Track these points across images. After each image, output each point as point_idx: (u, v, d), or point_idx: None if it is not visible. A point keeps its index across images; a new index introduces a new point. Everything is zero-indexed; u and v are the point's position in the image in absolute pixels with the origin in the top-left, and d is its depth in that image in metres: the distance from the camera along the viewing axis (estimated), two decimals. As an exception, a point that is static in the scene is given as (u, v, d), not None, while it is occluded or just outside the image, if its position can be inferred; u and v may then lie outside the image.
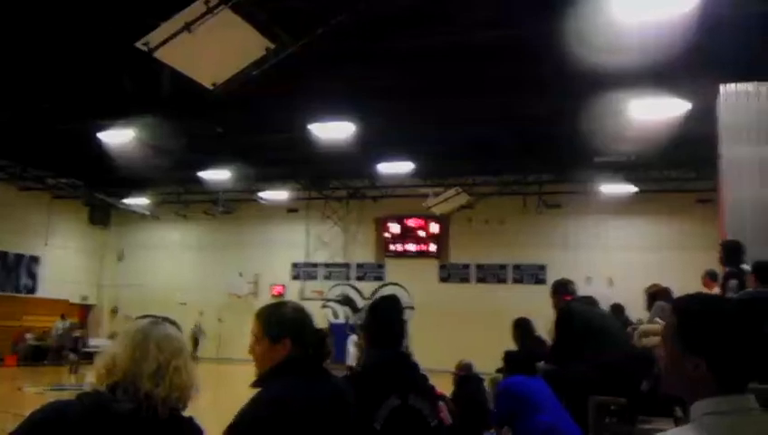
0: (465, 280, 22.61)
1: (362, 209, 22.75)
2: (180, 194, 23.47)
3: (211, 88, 8.43)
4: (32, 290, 23.84)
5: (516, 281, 21.94)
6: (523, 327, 7.45)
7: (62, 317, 22.44)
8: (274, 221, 24.23)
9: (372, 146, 16.19)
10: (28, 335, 22.06)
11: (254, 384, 2.24)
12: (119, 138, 14.53)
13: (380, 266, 23.77)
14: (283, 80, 11.24)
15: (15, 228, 22.85)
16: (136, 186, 21.74)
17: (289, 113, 13.80)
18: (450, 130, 15.44)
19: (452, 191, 19.46)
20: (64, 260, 24.87)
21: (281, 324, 2.30)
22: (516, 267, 22.01)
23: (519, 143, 15.94)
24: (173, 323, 2.06)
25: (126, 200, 23.20)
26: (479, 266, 22.48)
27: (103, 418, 1.79)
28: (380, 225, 23.66)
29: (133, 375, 1.87)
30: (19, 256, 23.44)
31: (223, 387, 15.28)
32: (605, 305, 7.51)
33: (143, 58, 8.11)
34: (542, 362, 5.52)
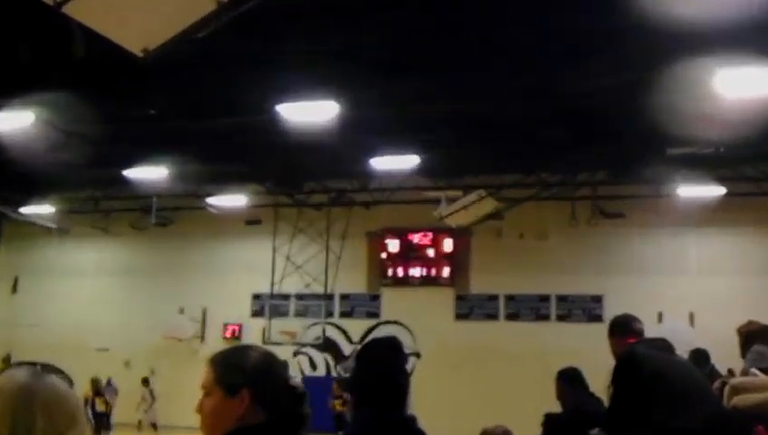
0: (491, 317, 22.83)
1: (350, 220, 22.85)
2: (98, 200, 23.64)
3: (141, 55, 8.44)
4: None
5: (562, 318, 22.21)
6: (570, 381, 7.52)
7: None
8: (229, 237, 24.46)
9: (363, 134, 16.38)
10: None
11: None
12: (13, 122, 14.59)
13: (374, 298, 23.98)
14: (241, 45, 11.32)
15: None
16: (37, 188, 21.77)
17: (249, 90, 13.96)
18: (470, 112, 15.56)
19: (473, 196, 19.58)
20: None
21: (240, 370, 2.30)
22: (562, 299, 22.26)
23: (565, 130, 16.06)
24: (61, 373, 1.99)
25: (24, 209, 23.23)
26: (510, 298, 22.71)
27: None
28: (374, 241, 23.88)
29: None
30: None
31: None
32: (683, 351, 7.59)
33: (47, 15, 8.17)
34: (597, 430, 5.58)
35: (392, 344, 3.25)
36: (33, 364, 1.97)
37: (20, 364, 1.97)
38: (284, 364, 2.43)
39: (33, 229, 24.86)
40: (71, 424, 1.89)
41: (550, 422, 5.89)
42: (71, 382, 2.00)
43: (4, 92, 13.85)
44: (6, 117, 14.42)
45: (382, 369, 3.05)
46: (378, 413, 2.94)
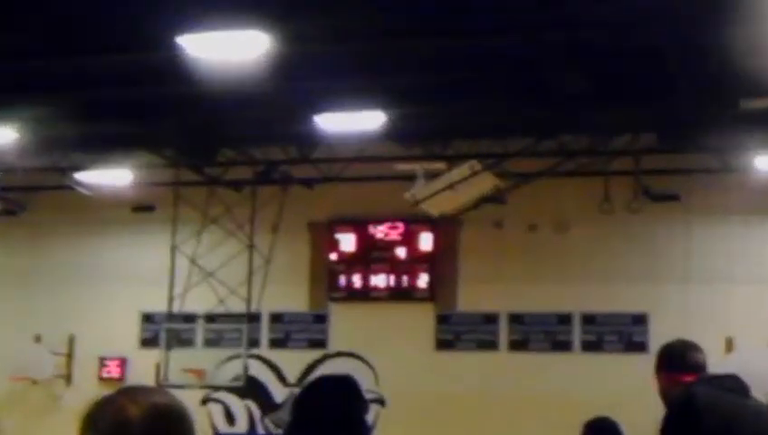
0: (487, 346, 23.14)
1: (284, 206, 23.10)
2: None
3: None
4: None
5: (590, 347, 22.50)
6: (604, 431, 7.92)
7: None
8: (109, 230, 24.71)
9: (305, 80, 16.72)
10: None
11: None
12: None
13: (320, 320, 24.29)
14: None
15: None
16: None
17: (139, 15, 13.92)
18: (458, 49, 15.86)
19: (463, 169, 19.60)
20: None
21: (102, 427, 2.50)
22: (589, 320, 22.56)
23: (594, 76, 16.43)
24: None
25: None
26: (516, 319, 23.01)
27: None
28: (320, 236, 24.16)
29: None
30: None
31: None
32: (763, 392, 7.49)
33: None
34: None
35: (346, 387, 3.34)
36: None
37: None
38: (183, 416, 2.54)
39: None
40: None
41: None
42: None
43: None
44: None
45: (330, 422, 3.14)
46: None
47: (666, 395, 5.99)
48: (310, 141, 20.84)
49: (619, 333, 22.30)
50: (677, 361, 6.12)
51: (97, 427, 2.54)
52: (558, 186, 21.71)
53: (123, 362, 25.07)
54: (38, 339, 25.09)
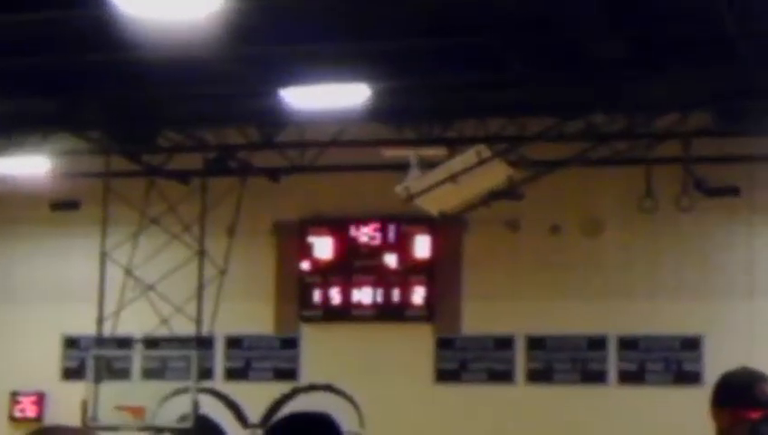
0: (501, 377, 23.30)
1: (244, 202, 23.15)
2: None
3: None
4: None
5: (630, 377, 22.61)
6: None
7: None
8: (23, 231, 24.89)
9: (268, 43, 16.73)
10: None
11: None
12: None
13: (289, 345, 24.42)
14: None
15: None
16: None
17: None
18: (459, 4, 15.94)
19: (468, 156, 19.83)
20: None
21: None
22: (629, 344, 22.66)
23: (633, 40, 16.52)
24: None
25: None
26: (536, 344, 23.18)
27: None
28: (289, 240, 24.29)
29: None
30: None
31: None
32: None
33: None
34: None
35: (323, 429, 3.48)
36: None
37: None
38: None
39: None
40: None
41: None
42: None
43: None
44: None
45: None
46: None
47: (724, 432, 6.04)
48: (275, 122, 20.84)
49: (666, 360, 22.39)
50: (743, 393, 6.15)
51: None
52: (588, 177, 21.84)
53: (41, 398, 25.20)
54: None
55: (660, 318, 22.16)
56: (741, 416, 5.96)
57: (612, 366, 22.68)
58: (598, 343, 22.74)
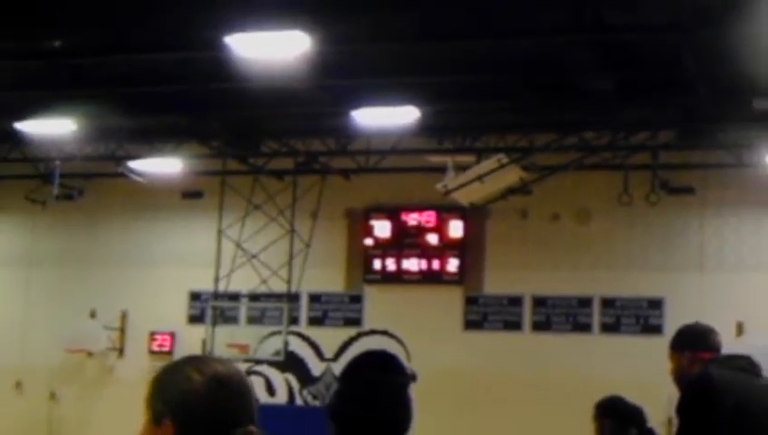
0: (513, 326, 23.15)
1: (324, 194, 23.22)
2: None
3: None
4: None
5: (609, 328, 22.45)
6: (615, 414, 7.83)
7: None
8: (160, 215, 24.93)
9: (343, 76, 16.85)
10: None
11: None
12: None
13: (355, 300, 24.38)
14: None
15: None
16: None
17: (190, 16, 14.32)
18: (485, 49, 15.89)
19: (491, 162, 19.59)
20: None
21: (164, 395, 2.53)
22: (609, 303, 22.50)
23: (614, 78, 16.42)
24: None
25: None
26: (539, 302, 23.04)
27: None
28: (357, 223, 24.19)
29: None
30: None
31: None
32: None
33: None
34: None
35: (392, 361, 3.34)
36: None
37: None
38: (240, 398, 2.55)
39: None
40: None
41: None
42: None
43: None
44: None
45: (370, 395, 3.09)
46: None
47: (684, 373, 5.99)
48: (348, 134, 20.82)
49: (636, 316, 22.27)
50: (700, 340, 6.15)
51: (164, 391, 2.60)
52: (580, 179, 21.69)
53: (172, 337, 25.24)
54: (93, 315, 25.28)
55: (632, 284, 22.09)
56: (698, 357, 5.95)
57: (596, 320, 22.59)
58: (586, 302, 22.65)
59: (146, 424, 2.59)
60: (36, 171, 23.70)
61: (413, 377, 21.94)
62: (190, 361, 2.74)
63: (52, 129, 19.76)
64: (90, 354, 25.10)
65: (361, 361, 3.15)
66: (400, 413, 3.15)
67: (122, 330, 25.54)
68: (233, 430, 2.50)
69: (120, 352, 25.54)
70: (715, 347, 6.16)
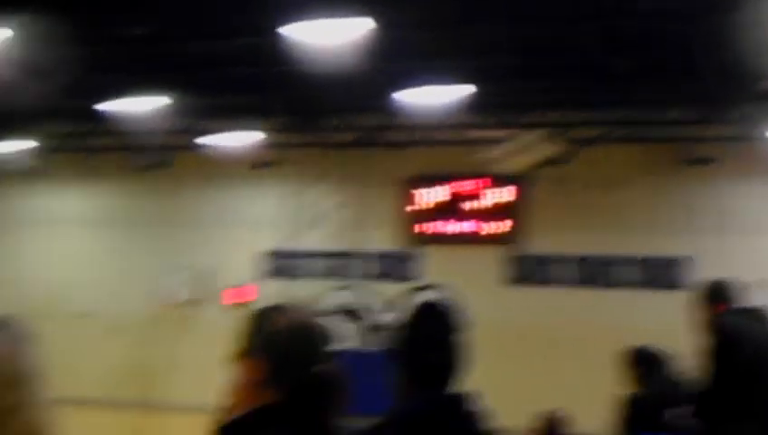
0: (555, 282, 23.22)
1: (380, 164, 23.33)
2: (85, 134, 23.99)
3: None
4: None
5: (641, 284, 22.47)
6: (646, 362, 7.48)
7: None
8: (234, 182, 25.10)
9: (397, 59, 16.56)
10: None
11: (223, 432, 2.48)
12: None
13: (409, 258, 24.42)
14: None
15: None
16: (9, 123, 21.97)
17: (259, 6, 14.15)
18: (527, 36, 15.56)
19: (532, 136, 19.73)
20: None
21: (259, 335, 2.58)
22: (641, 262, 22.54)
23: (639, 61, 16.09)
24: (6, 326, 2.06)
25: None
26: (579, 260, 23.08)
27: None
28: (411, 189, 24.26)
29: None
30: None
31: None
32: None
33: None
34: (683, 413, 5.59)
35: (441, 313, 3.25)
36: None
37: None
38: (317, 340, 2.63)
39: (9, 170, 25.05)
40: (12, 386, 1.94)
41: (628, 406, 5.83)
42: (21, 339, 2.03)
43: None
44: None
45: (430, 341, 3.07)
46: (425, 390, 2.94)
47: (709, 323, 5.85)
48: (402, 112, 20.42)
49: (666, 274, 21.95)
50: (722, 294, 6.04)
51: (256, 333, 2.70)
52: (613, 151, 21.74)
53: (249, 290, 25.31)
54: (180, 270, 25.56)
55: (660, 243, 21.94)
56: (720, 309, 5.84)
57: (629, 276, 22.37)
58: (617, 261, 22.44)
59: (241, 358, 2.66)
60: (127, 144, 23.73)
61: (465, 326, 21.62)
62: (275, 309, 2.93)
63: (140, 106, 19.75)
64: (176, 305, 25.45)
65: (421, 311, 3.00)
66: (455, 358, 3.22)
67: (204, 284, 25.71)
68: (313, 366, 2.60)
69: (200, 303, 25.75)
70: (735, 300, 6.04)
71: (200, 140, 23.27)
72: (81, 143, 24.61)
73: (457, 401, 2.96)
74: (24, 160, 24.86)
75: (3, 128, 22.83)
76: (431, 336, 3.05)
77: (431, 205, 23.95)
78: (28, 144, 24.11)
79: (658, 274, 22.11)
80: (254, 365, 2.48)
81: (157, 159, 24.34)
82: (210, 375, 17.35)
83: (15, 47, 15.31)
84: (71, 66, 17.05)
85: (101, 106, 19.97)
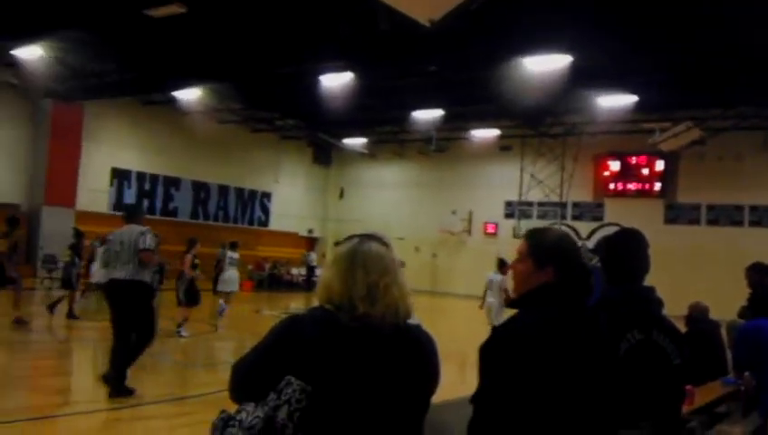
0: (694, 222, 21.94)
1: (579, 146, 22.50)
2: (396, 133, 24.70)
3: (428, 25, 8.31)
4: (264, 223, 26.56)
5: (754, 223, 20.83)
6: (762, 271, 6.99)
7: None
8: (487, 159, 25.09)
9: (590, 78, 15.95)
10: (266, 265, 24.42)
11: (512, 305, 2.28)
12: (334, 81, 15.38)
13: (599, 206, 23.69)
14: (496, 12, 11.19)
15: (249, 167, 25.59)
16: (354, 126, 23.07)
17: (501, 47, 13.82)
18: (677, 58, 14.53)
19: (682, 126, 18.58)
20: (292, 196, 27.51)
21: (548, 251, 2.24)
22: (754, 209, 20.86)
23: (758, 71, 14.60)
24: (379, 239, 2.12)
25: (345, 141, 24.74)
26: (711, 207, 21.62)
27: (334, 329, 1.94)
28: (599, 162, 23.56)
29: (349, 299, 1.97)
30: (253, 192, 26.24)
31: (439, 318, 16.06)
32: None
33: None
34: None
35: (635, 232, 3.05)
36: (361, 236, 2.13)
37: (352, 236, 2.15)
38: (578, 246, 2.35)
39: (352, 155, 26.53)
40: (384, 272, 2.00)
41: (753, 298, 5.39)
42: (387, 244, 2.11)
43: (329, 58, 14.63)
44: (329, 78, 15.09)
45: (627, 251, 2.90)
46: (623, 284, 2.81)
47: None
48: (594, 112, 19.38)
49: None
50: None
51: (541, 247, 2.25)
52: (737, 136, 19.90)
53: (496, 226, 25.50)
54: (454, 212, 26.04)
55: (762, 198, 20.34)
56: None
57: (746, 218, 20.71)
58: (739, 208, 20.71)
59: (528, 267, 2.24)
60: (422, 137, 24.15)
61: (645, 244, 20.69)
62: (551, 229, 2.40)
63: (430, 114, 20.12)
64: (452, 234, 25.91)
65: (619, 235, 2.91)
66: (645, 264, 2.86)
67: (469, 221, 26.21)
68: (584, 267, 2.25)
69: (469, 232, 26.12)
70: None
71: (465, 134, 23.23)
72: (394, 137, 25.11)
73: (647, 291, 2.84)
74: (362, 149, 25.95)
75: (345, 129, 23.78)
76: (627, 247, 2.89)
77: (614, 171, 23.07)
78: (363, 139, 24.98)
79: (763, 217, 20.47)
80: (546, 272, 2.17)
81: (439, 145, 24.45)
82: (475, 277, 17.97)
83: (353, 84, 15.59)
84: (389, 91, 17.77)
85: (408, 114, 20.06)
